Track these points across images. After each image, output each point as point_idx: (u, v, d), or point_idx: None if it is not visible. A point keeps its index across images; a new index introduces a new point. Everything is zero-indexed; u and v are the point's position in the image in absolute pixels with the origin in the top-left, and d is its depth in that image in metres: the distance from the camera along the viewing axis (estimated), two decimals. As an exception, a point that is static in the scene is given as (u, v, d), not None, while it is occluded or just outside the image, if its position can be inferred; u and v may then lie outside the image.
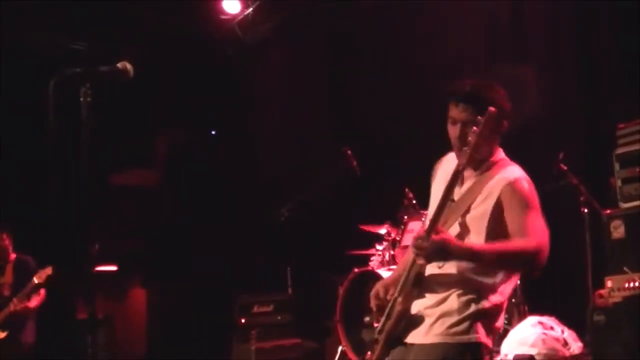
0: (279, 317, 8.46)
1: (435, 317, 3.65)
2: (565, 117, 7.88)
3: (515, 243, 3.55)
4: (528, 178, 3.70)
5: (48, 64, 3.74)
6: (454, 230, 3.66)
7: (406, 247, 7.59)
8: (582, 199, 6.85)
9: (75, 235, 3.70)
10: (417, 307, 3.71)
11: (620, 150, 6.42)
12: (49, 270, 7.94)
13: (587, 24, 7.76)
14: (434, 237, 3.46)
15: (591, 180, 7.00)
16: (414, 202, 7.66)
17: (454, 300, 3.63)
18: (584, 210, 6.84)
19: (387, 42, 9.45)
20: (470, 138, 3.61)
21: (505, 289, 3.70)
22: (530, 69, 7.81)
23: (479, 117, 3.58)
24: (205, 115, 11.21)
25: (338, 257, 8.31)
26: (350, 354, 7.46)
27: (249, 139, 11.00)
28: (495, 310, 3.67)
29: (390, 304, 3.80)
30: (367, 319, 7.26)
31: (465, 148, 3.61)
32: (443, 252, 3.47)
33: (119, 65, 3.67)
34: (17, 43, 9.08)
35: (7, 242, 8.30)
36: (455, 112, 3.70)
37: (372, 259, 7.90)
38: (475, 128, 3.59)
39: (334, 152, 8.26)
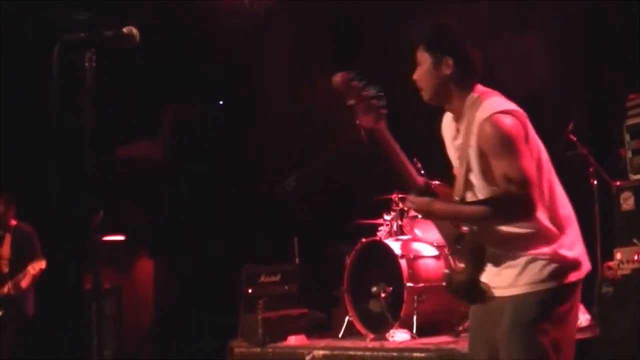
0: (286, 287, 8.45)
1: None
2: (574, 87, 7.82)
3: (491, 198, 3.49)
4: (507, 109, 3.50)
5: (51, 33, 3.66)
6: (466, 188, 3.61)
7: (414, 217, 7.60)
8: (591, 170, 6.81)
9: (79, 204, 3.66)
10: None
11: (630, 122, 6.37)
12: (43, 264, 7.87)
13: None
14: (411, 199, 3.56)
15: (601, 152, 6.95)
16: (422, 172, 7.62)
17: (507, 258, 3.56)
18: (593, 182, 6.80)
19: (392, 12, 9.36)
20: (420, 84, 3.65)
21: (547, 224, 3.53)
22: (536, 39, 7.74)
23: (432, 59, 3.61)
24: (212, 86, 11.16)
25: (345, 227, 8.31)
26: (357, 324, 7.47)
27: (256, 110, 10.95)
28: (547, 250, 3.52)
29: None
30: (374, 289, 7.26)
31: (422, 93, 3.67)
32: (427, 212, 3.56)
33: (125, 30, 3.61)
34: (19, 11, 9.02)
35: (1, 208, 8.11)
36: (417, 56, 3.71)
37: (379, 229, 7.89)
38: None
39: (341, 121, 8.19)
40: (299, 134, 10.06)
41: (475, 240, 3.58)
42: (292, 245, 8.62)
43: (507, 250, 3.54)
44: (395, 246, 7.33)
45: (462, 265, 3.68)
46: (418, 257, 7.39)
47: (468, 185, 3.58)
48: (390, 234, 7.74)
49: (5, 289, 7.87)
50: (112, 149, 10.36)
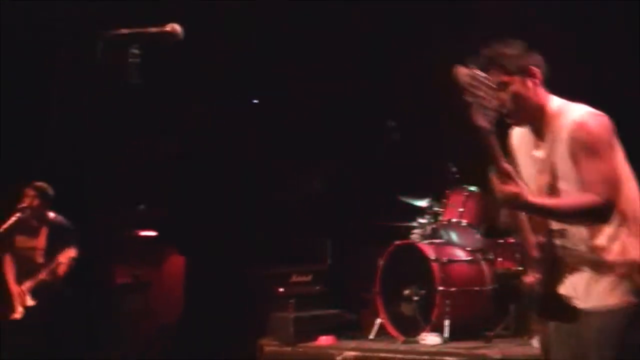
0: (317, 288, 8.45)
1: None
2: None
3: (575, 199, 3.47)
4: (595, 112, 3.53)
5: (97, 25, 3.69)
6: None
7: (449, 221, 7.60)
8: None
9: (116, 198, 3.68)
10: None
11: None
12: (72, 253, 7.90)
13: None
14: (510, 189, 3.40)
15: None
16: (457, 176, 7.61)
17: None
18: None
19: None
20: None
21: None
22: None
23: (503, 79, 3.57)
24: (244, 82, 11.17)
25: (379, 229, 8.29)
26: (389, 327, 7.45)
27: (288, 108, 10.94)
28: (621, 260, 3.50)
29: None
30: (406, 291, 7.24)
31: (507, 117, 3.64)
32: (514, 202, 3.43)
33: (168, 27, 3.64)
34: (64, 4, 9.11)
35: (37, 202, 7.96)
36: None
37: (413, 232, 7.86)
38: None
39: (376, 123, 8.21)
40: (335, 134, 10.05)
41: (553, 251, 3.57)
42: (325, 246, 8.62)
43: (596, 260, 3.52)
44: (429, 249, 7.31)
45: (538, 276, 3.66)
46: (451, 261, 7.36)
47: (555, 193, 3.57)
48: (423, 236, 7.71)
49: (42, 275, 7.92)
50: (147, 142, 10.38)
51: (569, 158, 3.50)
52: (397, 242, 7.58)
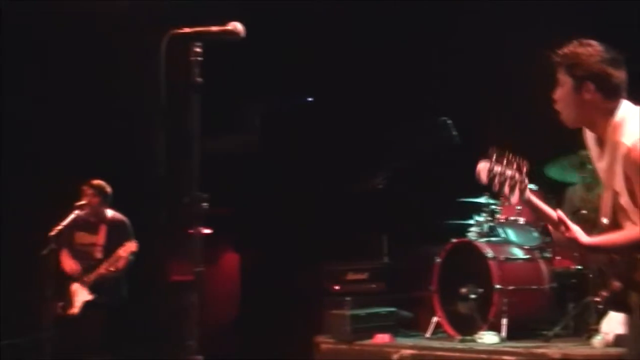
0: (373, 285, 8.43)
1: None
2: None
3: (627, 235, 3.51)
4: None
5: (159, 23, 3.72)
6: (615, 211, 3.62)
7: (506, 218, 7.55)
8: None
9: (180, 195, 3.70)
10: None
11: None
12: (133, 246, 7.97)
13: None
14: (566, 235, 3.56)
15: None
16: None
17: None
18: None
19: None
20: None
21: None
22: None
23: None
24: (301, 81, 11.18)
25: (436, 227, 8.25)
26: (446, 325, 7.41)
27: (346, 106, 10.93)
28: None
29: None
30: (463, 290, 7.21)
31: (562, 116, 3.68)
32: (576, 247, 3.60)
33: (230, 25, 3.66)
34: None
35: (96, 199, 8.09)
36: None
37: (470, 229, 7.82)
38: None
39: (434, 120, 8.17)
40: (393, 131, 10.02)
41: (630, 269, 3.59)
42: (381, 243, 8.61)
43: None
44: (486, 247, 7.26)
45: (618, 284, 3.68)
46: (509, 259, 7.32)
47: (618, 208, 3.57)
48: (480, 235, 7.66)
49: (102, 270, 8.00)
50: (208, 140, 10.42)
51: (623, 178, 3.48)
52: (455, 240, 7.55)
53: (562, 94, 3.61)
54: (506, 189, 3.53)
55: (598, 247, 3.60)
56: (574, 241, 3.54)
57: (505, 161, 3.53)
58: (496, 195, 7.75)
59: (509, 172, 3.53)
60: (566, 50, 3.62)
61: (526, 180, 3.54)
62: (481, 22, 9.15)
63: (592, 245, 3.57)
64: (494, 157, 3.54)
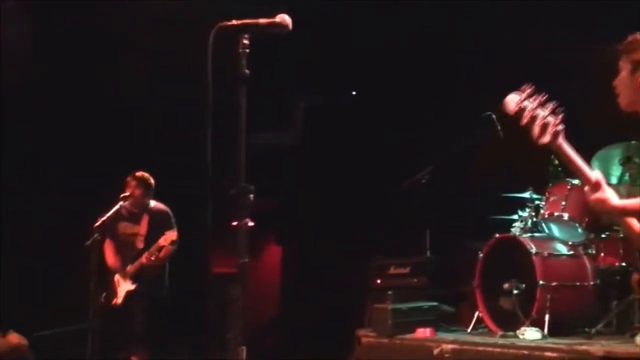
0: (415, 280, 8.42)
1: None
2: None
3: None
4: None
5: (207, 15, 3.76)
6: None
7: (550, 214, 7.50)
8: None
9: (224, 188, 3.73)
10: None
11: None
12: (174, 235, 8.03)
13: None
14: (593, 196, 3.54)
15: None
16: (560, 169, 7.49)
17: None
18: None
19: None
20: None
21: None
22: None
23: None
24: (345, 77, 11.19)
25: (479, 222, 8.23)
26: (487, 321, 7.39)
27: (389, 101, 10.93)
28: None
29: None
30: (506, 285, 7.17)
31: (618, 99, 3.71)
32: (602, 209, 3.57)
33: (278, 18, 3.67)
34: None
35: (140, 191, 8.24)
36: None
37: (513, 225, 7.78)
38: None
39: (477, 116, 8.14)
40: (435, 126, 10.02)
41: None
42: (424, 238, 8.59)
43: None
44: (530, 243, 7.22)
45: None
46: (552, 255, 7.26)
47: None
48: (524, 230, 7.63)
49: (143, 259, 8.07)
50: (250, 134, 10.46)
51: None
52: (498, 236, 7.51)
53: (621, 78, 3.67)
54: (536, 128, 3.47)
55: (627, 210, 3.58)
56: (605, 202, 3.52)
57: (539, 99, 3.48)
58: (540, 190, 7.76)
59: (541, 112, 3.47)
60: (629, 38, 3.68)
61: (561, 125, 3.50)
62: (527, 15, 9.12)
63: (622, 208, 3.56)
64: (528, 92, 3.49)
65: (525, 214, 7.72)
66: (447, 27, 9.89)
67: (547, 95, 3.48)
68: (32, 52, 9.98)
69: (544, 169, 7.63)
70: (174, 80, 9.67)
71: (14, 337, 8.16)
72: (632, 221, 3.68)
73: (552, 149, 3.53)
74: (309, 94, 11.80)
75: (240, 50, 3.54)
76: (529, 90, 3.48)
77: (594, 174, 3.54)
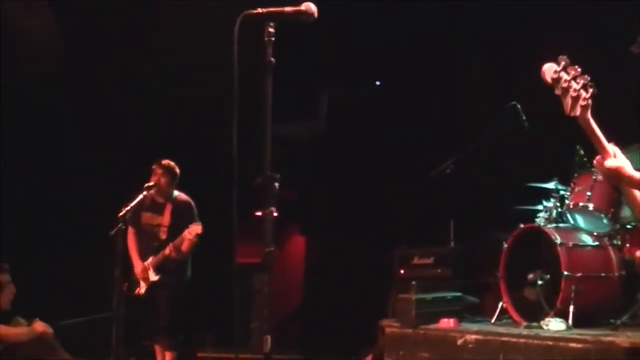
0: (439, 270, 8.42)
1: None
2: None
3: None
4: None
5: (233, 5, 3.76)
6: None
7: (576, 204, 7.46)
8: None
9: (250, 176, 3.74)
10: None
11: None
12: (199, 229, 8.04)
13: None
14: (607, 164, 3.58)
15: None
16: (585, 159, 7.44)
17: None
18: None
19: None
20: None
21: None
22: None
23: None
24: (370, 67, 11.18)
25: (504, 212, 8.21)
26: (512, 311, 7.37)
27: (413, 92, 10.91)
28: None
29: None
30: (530, 276, 7.14)
31: None
32: (616, 178, 3.61)
33: (303, 6, 3.68)
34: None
35: (164, 180, 8.27)
36: None
37: (538, 215, 7.75)
38: None
39: (502, 106, 8.11)
40: (460, 117, 9.99)
41: None
42: (448, 228, 8.57)
43: None
44: (554, 233, 7.18)
45: None
46: (577, 245, 7.22)
47: None
48: (549, 220, 7.59)
49: (167, 251, 8.10)
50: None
51: None
52: (523, 226, 7.47)
53: None
54: (568, 100, 3.50)
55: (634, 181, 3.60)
56: (619, 170, 3.56)
57: (574, 72, 3.50)
58: (566, 180, 7.72)
59: (574, 84, 3.49)
60: None
61: (589, 100, 3.50)
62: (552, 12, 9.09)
63: (637, 179, 3.58)
64: (564, 64, 3.52)
65: (550, 205, 7.68)
66: (475, 17, 9.86)
67: (581, 69, 3.49)
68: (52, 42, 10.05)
69: (570, 159, 7.59)
70: (201, 69, 9.69)
71: (39, 326, 8.24)
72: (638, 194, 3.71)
73: (579, 123, 3.55)
74: (333, 84, 11.80)
75: (266, 39, 3.54)
76: (564, 62, 3.50)
77: (611, 148, 3.59)
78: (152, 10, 9.76)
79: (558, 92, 3.51)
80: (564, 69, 3.50)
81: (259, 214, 3.75)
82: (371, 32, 10.43)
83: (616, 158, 3.56)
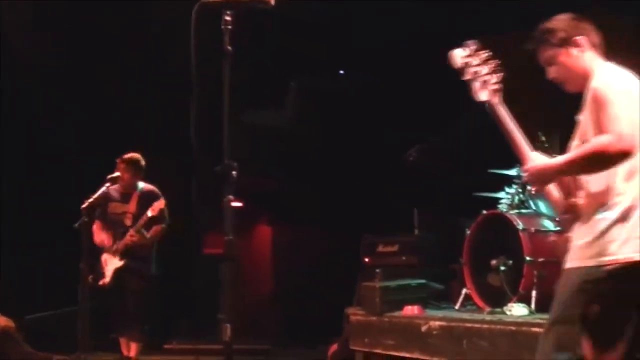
0: (404, 258, 8.45)
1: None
2: None
3: (589, 145, 3.47)
4: (611, 71, 3.57)
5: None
6: None
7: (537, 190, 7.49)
8: None
9: (210, 165, 3.74)
10: None
11: None
12: (161, 204, 8.06)
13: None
14: (525, 169, 3.61)
15: None
16: (546, 146, 7.50)
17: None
18: None
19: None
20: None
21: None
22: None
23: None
24: (339, 57, 11.18)
25: (467, 199, 8.24)
26: (475, 297, 7.41)
27: (381, 81, 10.92)
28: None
29: None
30: (493, 262, 7.19)
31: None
32: (542, 176, 3.59)
33: (260, -8, 3.68)
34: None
35: (128, 173, 8.25)
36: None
37: (500, 201, 7.80)
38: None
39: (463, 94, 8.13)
40: (424, 105, 10.01)
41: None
42: (412, 216, 8.62)
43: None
44: (517, 219, 7.23)
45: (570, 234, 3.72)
46: (539, 231, 7.27)
47: None
48: (511, 207, 7.64)
49: (127, 238, 8.10)
50: (242, 113, 10.45)
51: (590, 121, 3.51)
52: (485, 212, 7.52)
53: (556, 68, 3.73)
54: (477, 85, 3.52)
55: (566, 165, 3.56)
56: (544, 169, 3.59)
57: (483, 57, 3.51)
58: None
59: (483, 69, 3.51)
60: (541, 28, 3.75)
61: (498, 84, 3.52)
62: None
63: (562, 164, 3.55)
64: (473, 49, 3.53)
65: (512, 191, 7.72)
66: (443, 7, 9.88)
67: (490, 53, 3.51)
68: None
69: (530, 145, 7.62)
70: (161, 58, 9.65)
71: (1, 320, 8.19)
72: (552, 189, 3.74)
73: (489, 109, 3.58)
74: (302, 75, 11.78)
75: (223, 27, 3.54)
76: (473, 47, 3.51)
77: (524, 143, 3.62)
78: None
79: (467, 76, 3.52)
80: (473, 53, 3.51)
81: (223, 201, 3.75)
82: (338, 22, 10.43)
83: (533, 158, 3.58)
